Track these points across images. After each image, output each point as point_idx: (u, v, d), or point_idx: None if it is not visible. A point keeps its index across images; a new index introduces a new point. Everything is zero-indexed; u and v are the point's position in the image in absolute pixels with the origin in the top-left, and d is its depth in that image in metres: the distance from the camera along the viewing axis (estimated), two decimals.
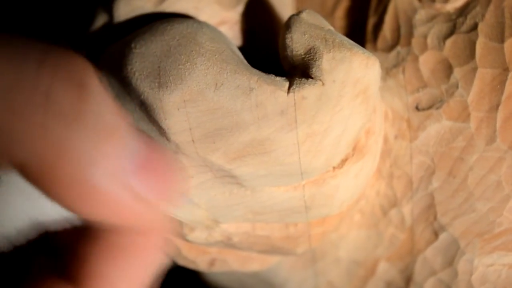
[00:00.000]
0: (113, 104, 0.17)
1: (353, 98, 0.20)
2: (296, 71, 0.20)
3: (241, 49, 0.23)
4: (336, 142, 0.21)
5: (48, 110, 0.15)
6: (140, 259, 0.18)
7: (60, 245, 0.20)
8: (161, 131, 0.20)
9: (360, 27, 0.26)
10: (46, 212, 0.17)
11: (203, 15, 0.23)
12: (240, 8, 0.24)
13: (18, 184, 0.17)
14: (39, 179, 0.16)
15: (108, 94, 0.17)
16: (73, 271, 0.18)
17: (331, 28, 0.21)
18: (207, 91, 0.19)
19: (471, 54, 0.23)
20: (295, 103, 0.19)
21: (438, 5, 0.24)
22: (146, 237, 0.18)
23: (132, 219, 0.17)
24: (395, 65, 0.24)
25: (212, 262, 0.25)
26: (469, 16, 0.23)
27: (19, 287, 0.19)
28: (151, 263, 0.18)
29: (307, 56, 0.20)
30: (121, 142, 0.16)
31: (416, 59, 0.24)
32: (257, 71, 0.20)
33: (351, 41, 0.21)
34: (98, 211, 0.16)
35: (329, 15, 0.27)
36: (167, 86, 0.19)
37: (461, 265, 0.23)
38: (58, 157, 0.15)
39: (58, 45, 0.16)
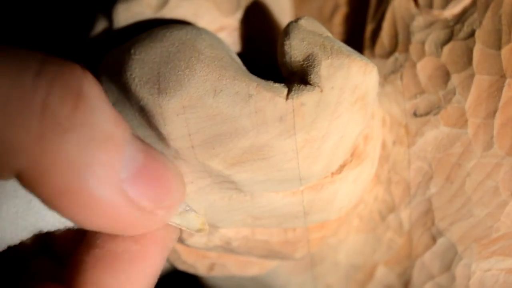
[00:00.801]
0: (111, 111, 0.17)
1: (351, 104, 0.20)
2: (295, 77, 0.20)
3: (240, 55, 0.23)
4: (334, 148, 0.21)
5: (44, 120, 0.15)
6: (137, 268, 0.18)
7: (60, 249, 0.20)
8: (161, 137, 0.20)
9: (358, 33, 0.27)
10: (46, 219, 0.17)
11: (202, 22, 0.24)
12: (239, 15, 0.24)
13: (18, 191, 0.17)
14: (36, 186, 0.16)
15: (106, 101, 0.17)
16: (70, 278, 0.18)
17: (330, 34, 0.21)
18: (206, 97, 0.19)
19: (469, 61, 0.23)
20: (293, 110, 0.20)
21: (435, 12, 0.24)
22: (143, 245, 0.18)
23: (128, 226, 0.17)
24: (393, 72, 0.25)
25: (211, 267, 0.25)
26: (466, 23, 0.23)
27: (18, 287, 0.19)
28: (149, 272, 0.18)
29: (306, 62, 0.20)
30: (117, 150, 0.16)
31: (413, 65, 0.24)
32: (256, 77, 0.20)
33: (349, 48, 0.21)
34: (94, 218, 0.16)
35: (327, 22, 0.27)
36: (166, 92, 0.19)
37: (459, 270, 0.24)
38: (54, 165, 0.15)
39: (56, 55, 0.16)
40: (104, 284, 0.18)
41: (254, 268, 0.26)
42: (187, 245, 0.24)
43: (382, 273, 0.26)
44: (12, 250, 0.18)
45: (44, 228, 0.18)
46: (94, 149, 0.16)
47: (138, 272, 0.18)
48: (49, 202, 0.16)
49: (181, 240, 0.24)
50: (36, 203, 0.17)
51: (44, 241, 0.21)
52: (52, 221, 0.17)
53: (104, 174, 0.16)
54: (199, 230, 0.20)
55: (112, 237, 0.18)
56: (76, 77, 0.16)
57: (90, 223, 0.17)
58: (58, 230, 0.18)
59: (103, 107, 0.16)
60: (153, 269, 0.18)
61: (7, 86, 0.15)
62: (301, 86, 0.20)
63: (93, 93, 0.16)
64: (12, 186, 0.17)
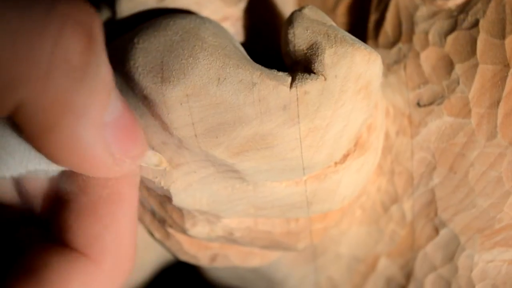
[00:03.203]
0: (107, 56, 0.17)
1: (355, 93, 0.20)
2: (299, 66, 0.20)
3: (243, 44, 0.23)
4: (338, 137, 0.21)
5: (55, 57, 0.15)
6: (116, 208, 0.19)
7: (43, 216, 0.21)
8: (164, 126, 0.20)
9: (362, 24, 0.27)
10: (31, 159, 0.18)
11: (205, 11, 0.24)
12: (242, 5, 0.24)
13: (7, 131, 0.18)
14: (30, 121, 0.16)
15: (105, 47, 0.17)
16: (59, 236, 0.19)
17: (333, 23, 0.21)
18: (209, 86, 0.19)
19: (472, 51, 0.23)
20: (297, 98, 0.19)
21: (439, 2, 0.24)
22: (112, 188, 0.19)
23: (99, 169, 0.18)
24: (397, 62, 0.25)
25: (213, 257, 0.25)
26: (470, 13, 0.23)
27: (15, 259, 0.19)
28: (127, 208, 0.19)
29: (309, 51, 0.20)
30: (107, 94, 0.17)
31: (417, 55, 0.24)
32: (260, 66, 0.20)
33: (353, 37, 0.21)
34: (71, 156, 0.17)
35: (330, 12, 0.27)
36: (169, 81, 0.19)
37: (462, 261, 0.24)
38: (55, 101, 0.16)
39: None
40: (93, 231, 0.19)
41: (256, 259, 0.26)
42: (190, 236, 0.24)
43: (384, 265, 0.26)
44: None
45: (31, 167, 0.18)
46: (94, 91, 0.16)
47: (118, 211, 0.19)
48: (37, 138, 0.17)
49: (183, 231, 0.24)
50: (23, 144, 0.18)
51: (28, 210, 0.21)
52: (35, 162, 0.18)
53: (94, 117, 0.17)
54: (157, 165, 0.21)
55: (83, 189, 0.19)
56: (88, 16, 0.16)
57: (66, 160, 0.17)
58: (40, 172, 0.19)
59: (104, 50, 0.17)
60: (130, 205, 0.19)
61: (17, 19, 0.15)
62: (305, 74, 0.20)
63: (100, 34, 0.17)
64: (2, 126, 0.18)
